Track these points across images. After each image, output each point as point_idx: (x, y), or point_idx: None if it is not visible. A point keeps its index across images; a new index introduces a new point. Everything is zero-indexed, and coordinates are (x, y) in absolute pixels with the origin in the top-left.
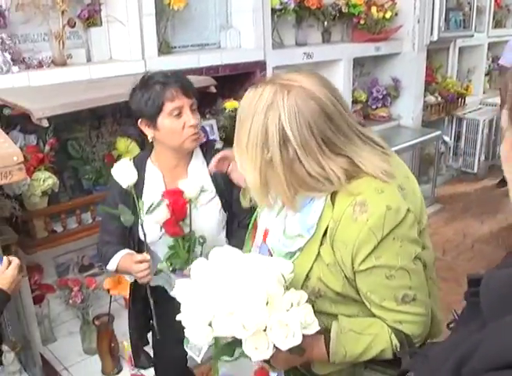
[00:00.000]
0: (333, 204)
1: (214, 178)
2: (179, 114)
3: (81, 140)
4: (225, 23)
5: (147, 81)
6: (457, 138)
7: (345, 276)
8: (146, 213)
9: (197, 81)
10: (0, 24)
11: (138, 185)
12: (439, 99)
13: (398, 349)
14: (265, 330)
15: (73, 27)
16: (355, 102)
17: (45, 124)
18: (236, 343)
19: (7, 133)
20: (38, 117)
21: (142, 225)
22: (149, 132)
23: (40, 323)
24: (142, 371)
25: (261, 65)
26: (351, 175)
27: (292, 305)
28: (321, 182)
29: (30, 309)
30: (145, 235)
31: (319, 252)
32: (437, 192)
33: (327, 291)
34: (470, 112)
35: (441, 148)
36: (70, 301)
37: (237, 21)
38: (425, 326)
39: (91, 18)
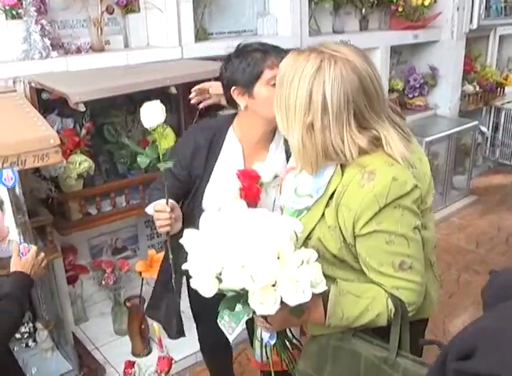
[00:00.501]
0: (342, 170)
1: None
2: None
3: (117, 125)
4: (262, 10)
5: (245, 49)
6: (495, 128)
7: (344, 240)
8: None
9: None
10: (40, 11)
11: (215, 151)
12: (477, 88)
13: (393, 315)
14: (274, 286)
15: (111, 13)
16: (391, 90)
17: (82, 108)
18: (239, 298)
19: (45, 117)
20: (75, 102)
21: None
22: (242, 101)
23: (73, 303)
24: (171, 354)
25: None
26: (365, 151)
27: (302, 263)
28: (337, 153)
29: (64, 288)
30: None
31: (323, 214)
32: (472, 183)
33: (325, 252)
34: (508, 102)
35: (478, 139)
36: (103, 282)
37: (274, 8)
38: (419, 295)
39: (130, 5)
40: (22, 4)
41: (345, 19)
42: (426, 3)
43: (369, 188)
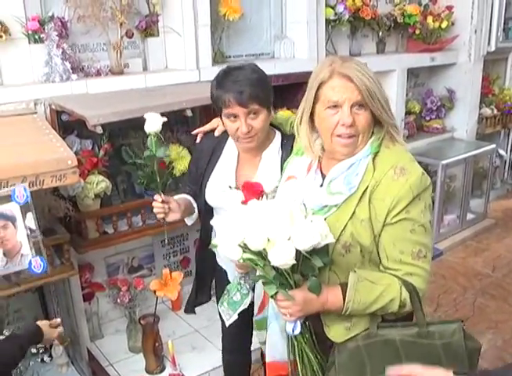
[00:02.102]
0: (374, 168)
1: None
2: (235, 118)
3: (135, 146)
4: (280, 34)
5: (218, 79)
6: None
7: (373, 232)
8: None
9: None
10: (62, 35)
11: (216, 154)
12: (495, 111)
13: (407, 301)
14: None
15: (131, 37)
16: (408, 113)
17: (99, 130)
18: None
19: (64, 138)
20: (93, 124)
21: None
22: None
23: (89, 320)
24: (184, 372)
25: None
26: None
27: (312, 222)
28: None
29: (80, 305)
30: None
31: (354, 211)
32: (490, 207)
33: (356, 245)
34: None
35: (496, 162)
36: (118, 300)
37: (291, 32)
38: (427, 282)
39: (149, 29)
40: (44, 29)
41: (362, 42)
42: (443, 26)
43: (404, 180)
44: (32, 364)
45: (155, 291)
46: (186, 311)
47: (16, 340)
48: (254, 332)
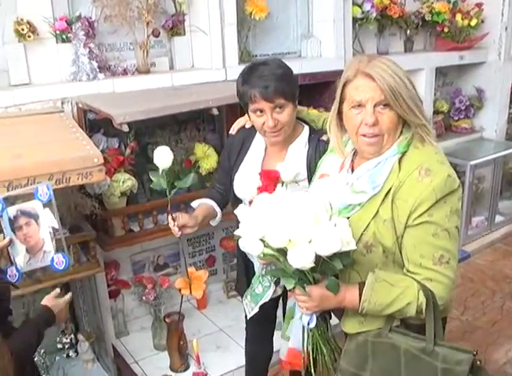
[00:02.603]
0: (399, 168)
1: (309, 164)
2: (261, 113)
3: (161, 144)
4: (306, 33)
5: (244, 75)
6: None
7: (396, 233)
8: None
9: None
10: (89, 34)
11: (246, 147)
12: None
13: (424, 306)
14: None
15: (157, 36)
16: (436, 112)
17: (125, 129)
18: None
19: (91, 136)
20: (119, 122)
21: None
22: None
23: (114, 317)
24: (208, 370)
25: (341, 74)
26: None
27: (335, 226)
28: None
29: (106, 302)
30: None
31: (377, 211)
32: None
33: (378, 245)
34: None
35: None
36: (144, 297)
37: (318, 30)
38: (450, 291)
39: (175, 28)
40: (71, 28)
41: (390, 41)
42: (472, 23)
43: (428, 182)
44: (58, 359)
45: (180, 290)
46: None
47: (33, 325)
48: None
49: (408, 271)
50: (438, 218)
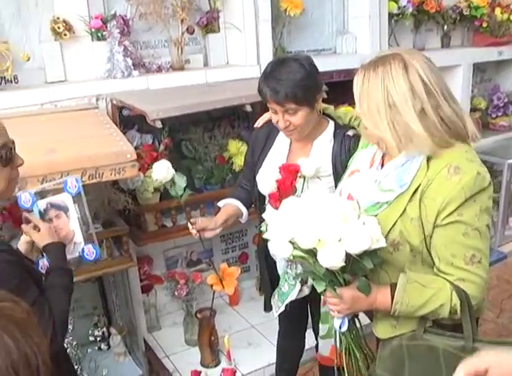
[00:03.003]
0: (428, 166)
1: (334, 159)
2: (275, 112)
3: (195, 141)
4: (342, 29)
5: (265, 72)
6: None
7: (424, 232)
8: None
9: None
10: (124, 32)
11: (270, 142)
12: None
13: (458, 308)
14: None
15: (192, 33)
16: (473, 110)
17: (159, 125)
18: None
19: (125, 132)
20: (153, 119)
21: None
22: None
23: (146, 312)
24: (239, 367)
25: None
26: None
27: (364, 224)
28: (457, 128)
29: (138, 297)
30: None
31: (405, 209)
32: None
33: (405, 244)
34: None
35: None
36: (176, 293)
37: (354, 26)
38: (483, 290)
39: (210, 25)
40: (107, 27)
41: (426, 36)
42: None
43: (456, 180)
44: (90, 352)
45: (212, 286)
46: (265, 309)
47: (57, 270)
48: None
49: (439, 270)
50: (468, 218)
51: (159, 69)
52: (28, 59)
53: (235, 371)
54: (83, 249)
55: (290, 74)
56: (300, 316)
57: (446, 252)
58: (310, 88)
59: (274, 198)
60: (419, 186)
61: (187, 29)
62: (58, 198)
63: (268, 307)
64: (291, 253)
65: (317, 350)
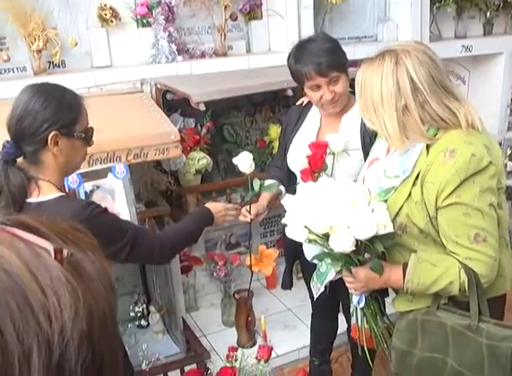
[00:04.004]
0: (428, 151)
1: (363, 135)
2: (318, 88)
3: (236, 125)
4: (383, 16)
5: (295, 55)
6: None
7: (428, 214)
8: None
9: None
10: (169, 19)
11: (302, 120)
12: None
13: (466, 285)
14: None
15: (235, 20)
16: None
17: (202, 108)
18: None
19: (168, 116)
20: (196, 102)
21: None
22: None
23: (185, 292)
24: (274, 348)
25: None
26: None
27: (373, 211)
28: (444, 121)
29: (178, 277)
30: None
31: (410, 193)
32: None
33: (412, 227)
34: None
35: None
36: (215, 273)
37: (395, 13)
38: (492, 268)
39: (252, 12)
40: (152, 13)
41: (468, 24)
42: None
43: (451, 164)
44: (130, 327)
45: (250, 266)
46: (283, 287)
47: (195, 221)
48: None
49: (450, 251)
50: (467, 199)
51: (202, 55)
52: (76, 45)
53: (271, 348)
54: None
55: (323, 46)
56: (331, 299)
57: (450, 232)
58: (342, 54)
59: (306, 174)
60: (420, 171)
61: (230, 15)
62: (105, 181)
63: (285, 284)
64: (307, 237)
65: (349, 334)
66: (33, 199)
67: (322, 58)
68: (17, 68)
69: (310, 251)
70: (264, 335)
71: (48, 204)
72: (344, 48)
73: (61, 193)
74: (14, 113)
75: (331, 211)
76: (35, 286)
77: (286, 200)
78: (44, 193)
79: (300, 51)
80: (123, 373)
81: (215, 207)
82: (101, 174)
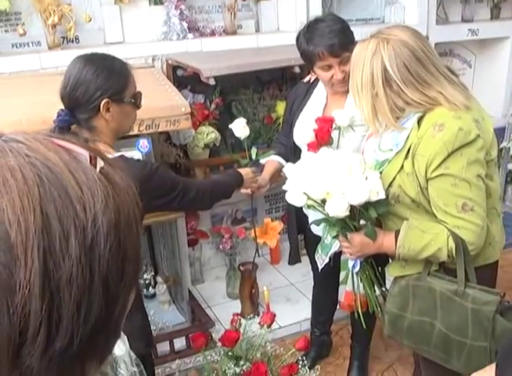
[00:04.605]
0: (418, 126)
1: None
2: (329, 68)
3: (245, 102)
4: None
5: (306, 35)
6: None
7: (419, 185)
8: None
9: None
10: None
11: (308, 96)
12: None
13: (454, 251)
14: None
15: (244, 0)
16: None
17: (212, 82)
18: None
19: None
20: (206, 76)
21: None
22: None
23: (191, 265)
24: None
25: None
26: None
27: (367, 179)
28: (422, 105)
29: (184, 249)
30: None
31: (402, 165)
32: None
33: (404, 197)
34: None
35: None
36: (221, 246)
37: None
38: (479, 236)
39: None
40: None
41: (476, 7)
42: None
43: (439, 137)
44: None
45: (255, 238)
46: (291, 262)
47: (230, 178)
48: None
49: (440, 219)
50: (455, 170)
51: (212, 33)
52: (89, 21)
53: (274, 315)
54: None
55: (334, 26)
56: (332, 271)
57: (439, 202)
58: (351, 34)
59: (313, 147)
60: (411, 145)
61: None
62: (130, 154)
63: (292, 260)
64: (305, 202)
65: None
66: None
67: (335, 39)
68: (32, 42)
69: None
70: (267, 307)
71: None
72: (352, 29)
73: (120, 153)
74: (67, 82)
75: (328, 177)
76: (73, 182)
77: (288, 168)
78: (104, 152)
79: (311, 32)
80: (144, 331)
81: (245, 171)
82: (127, 145)
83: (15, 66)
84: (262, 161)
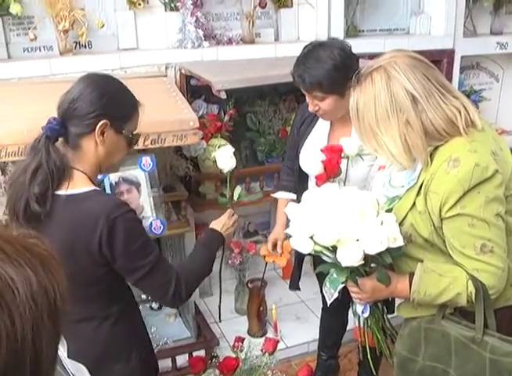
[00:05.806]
0: (431, 161)
1: None
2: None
3: (260, 114)
4: (417, 9)
5: (299, 56)
6: None
7: (433, 224)
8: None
9: None
10: (197, 4)
11: (315, 120)
12: None
13: (474, 296)
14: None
15: (264, 7)
16: None
17: (223, 96)
18: (330, 256)
19: (192, 101)
20: (217, 89)
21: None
22: None
23: None
24: (284, 339)
25: (448, 54)
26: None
27: (382, 223)
28: (441, 134)
29: None
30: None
31: (414, 202)
32: None
33: (417, 237)
34: None
35: None
36: (230, 261)
37: (429, 6)
38: (500, 279)
39: None
40: None
41: (506, 20)
42: None
43: (454, 173)
44: (142, 309)
45: (264, 257)
46: (291, 287)
47: (201, 245)
48: None
49: (456, 261)
50: (472, 210)
51: (229, 41)
52: (102, 26)
53: (277, 341)
54: (151, 223)
55: (318, 63)
56: (343, 294)
57: (455, 243)
58: (336, 78)
59: (322, 179)
60: (424, 181)
61: (259, 2)
62: (131, 173)
63: (292, 286)
64: (312, 249)
65: None
66: (62, 191)
67: (307, 76)
68: (44, 47)
69: None
70: (275, 326)
71: (78, 197)
72: (375, 40)
73: (94, 187)
74: (70, 93)
75: (339, 222)
76: None
77: (290, 209)
78: (75, 185)
79: (302, 55)
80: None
81: (219, 223)
82: (129, 163)
83: (25, 71)
84: (276, 195)
